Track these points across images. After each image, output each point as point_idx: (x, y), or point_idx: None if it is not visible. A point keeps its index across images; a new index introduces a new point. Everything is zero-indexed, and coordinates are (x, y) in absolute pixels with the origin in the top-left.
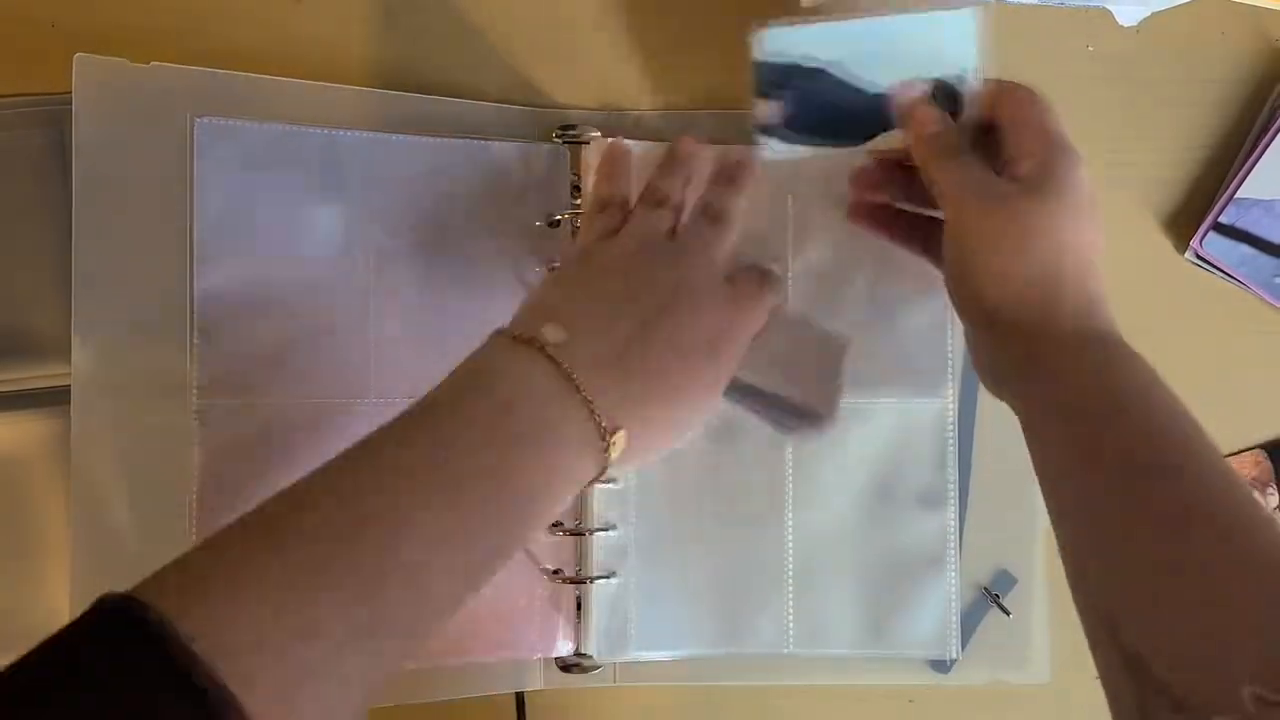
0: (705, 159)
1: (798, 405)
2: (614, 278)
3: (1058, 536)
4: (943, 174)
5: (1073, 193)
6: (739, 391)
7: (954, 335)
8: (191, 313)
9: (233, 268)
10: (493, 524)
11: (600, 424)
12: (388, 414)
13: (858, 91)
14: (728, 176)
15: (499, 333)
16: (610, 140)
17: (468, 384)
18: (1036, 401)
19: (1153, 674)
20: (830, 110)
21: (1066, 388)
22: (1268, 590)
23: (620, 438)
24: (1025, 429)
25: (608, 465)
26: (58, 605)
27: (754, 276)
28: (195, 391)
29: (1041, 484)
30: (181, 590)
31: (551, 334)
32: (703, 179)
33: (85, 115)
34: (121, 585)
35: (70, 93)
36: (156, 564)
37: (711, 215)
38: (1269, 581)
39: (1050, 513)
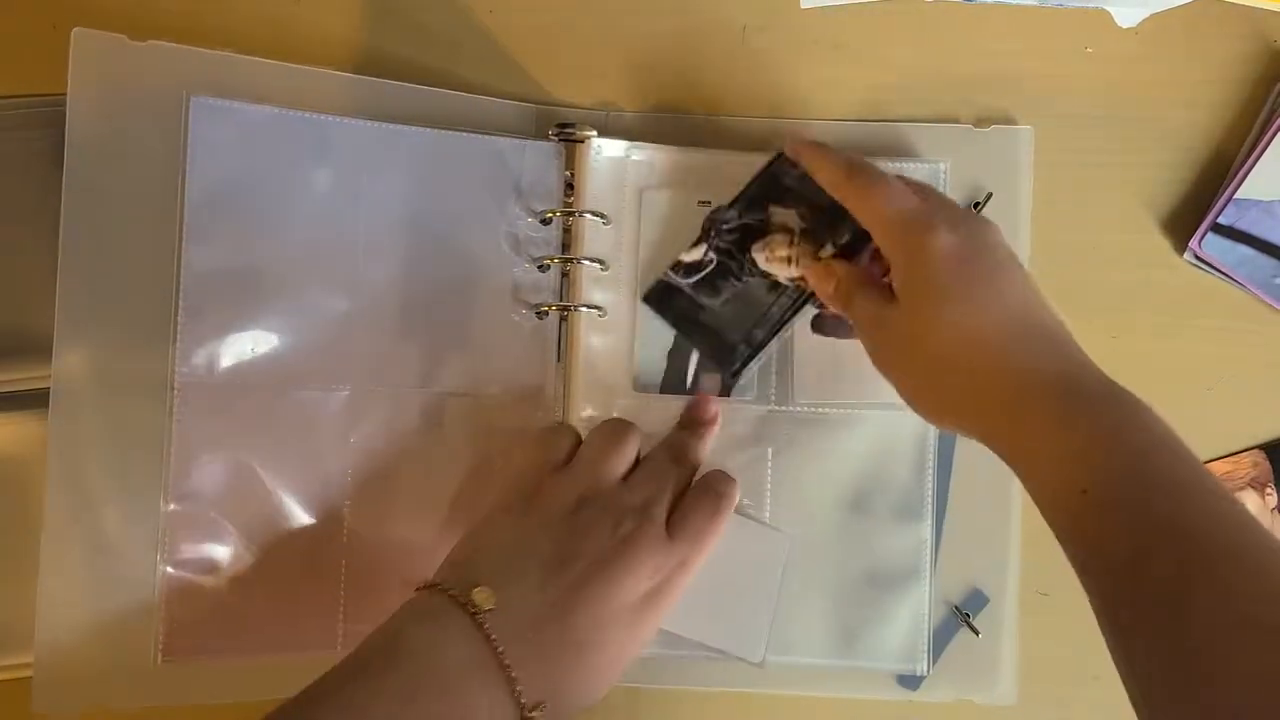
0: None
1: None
2: (551, 534)
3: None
4: (853, 316)
5: (939, 282)
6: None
7: None
8: (178, 292)
9: (222, 248)
10: None
11: (520, 700)
12: (366, 405)
13: None
14: (695, 425)
15: (431, 587)
16: (616, 418)
17: (390, 647)
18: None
19: None
20: None
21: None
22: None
23: (539, 713)
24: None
25: None
26: None
27: (705, 508)
28: (176, 373)
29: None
30: None
31: (482, 599)
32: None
33: (80, 89)
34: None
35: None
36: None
37: (675, 454)
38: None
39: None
